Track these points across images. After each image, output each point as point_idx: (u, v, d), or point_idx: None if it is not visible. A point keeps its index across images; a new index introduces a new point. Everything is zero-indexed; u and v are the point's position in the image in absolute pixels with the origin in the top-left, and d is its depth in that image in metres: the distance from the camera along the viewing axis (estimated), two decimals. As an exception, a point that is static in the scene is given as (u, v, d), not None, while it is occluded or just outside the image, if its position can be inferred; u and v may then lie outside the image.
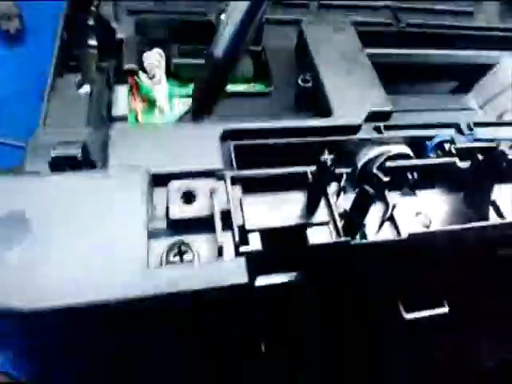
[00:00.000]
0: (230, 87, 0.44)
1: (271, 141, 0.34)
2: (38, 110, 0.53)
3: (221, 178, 0.30)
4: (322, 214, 0.29)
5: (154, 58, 0.40)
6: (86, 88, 0.40)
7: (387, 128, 0.36)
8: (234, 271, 0.24)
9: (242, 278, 0.23)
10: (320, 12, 0.49)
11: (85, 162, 0.30)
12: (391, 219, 0.31)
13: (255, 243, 0.27)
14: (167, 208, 0.28)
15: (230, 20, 0.21)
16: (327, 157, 0.27)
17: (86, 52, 0.46)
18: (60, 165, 0.28)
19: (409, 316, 0.33)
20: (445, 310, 0.34)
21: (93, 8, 0.48)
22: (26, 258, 0.22)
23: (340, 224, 0.29)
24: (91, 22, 0.47)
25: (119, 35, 0.41)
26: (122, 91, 0.40)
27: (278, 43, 0.45)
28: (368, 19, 0.48)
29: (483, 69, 0.50)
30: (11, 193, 0.24)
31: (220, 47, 0.20)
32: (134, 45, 0.41)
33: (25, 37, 0.59)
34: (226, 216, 0.28)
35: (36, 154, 0.30)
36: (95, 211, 0.24)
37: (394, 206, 0.31)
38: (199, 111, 0.23)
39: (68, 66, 0.43)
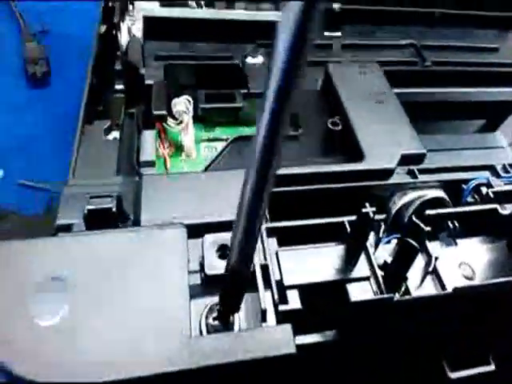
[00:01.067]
0: (254, 130, 0.45)
1: (303, 188, 0.34)
2: (63, 150, 0.54)
3: (255, 229, 0.30)
4: (362, 268, 0.29)
5: (183, 105, 0.41)
6: (115, 134, 0.41)
7: (421, 171, 0.36)
8: (281, 341, 0.23)
9: (289, 348, 0.23)
10: (344, 52, 0.50)
11: (118, 214, 0.30)
12: (434, 272, 0.30)
13: (294, 301, 0.27)
14: (201, 263, 0.28)
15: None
16: (369, 209, 0.27)
17: (113, 97, 0.47)
18: (94, 218, 0.29)
19: (454, 375, 0.31)
20: (491, 367, 0.32)
21: (120, 53, 0.50)
22: (64, 326, 0.22)
23: (381, 279, 0.28)
24: (119, 67, 0.49)
25: (147, 81, 0.42)
26: (149, 136, 0.41)
27: (304, 85, 0.46)
28: (392, 58, 0.49)
29: (511, 106, 0.50)
30: (50, 255, 0.24)
31: (235, 259, 0.20)
32: (163, 90, 0.42)
33: (50, 79, 0.62)
34: (263, 271, 0.28)
35: (68, 206, 0.31)
36: (134, 271, 0.24)
37: (436, 258, 0.30)
38: (227, 314, 0.23)
39: (96, 111, 0.44)
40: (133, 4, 0.54)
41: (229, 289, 0.22)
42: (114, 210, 0.29)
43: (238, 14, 0.54)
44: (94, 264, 0.24)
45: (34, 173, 0.53)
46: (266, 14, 0.56)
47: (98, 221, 0.28)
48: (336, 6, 0.52)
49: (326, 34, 0.52)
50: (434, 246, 0.31)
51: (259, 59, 0.47)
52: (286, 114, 0.16)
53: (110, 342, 0.22)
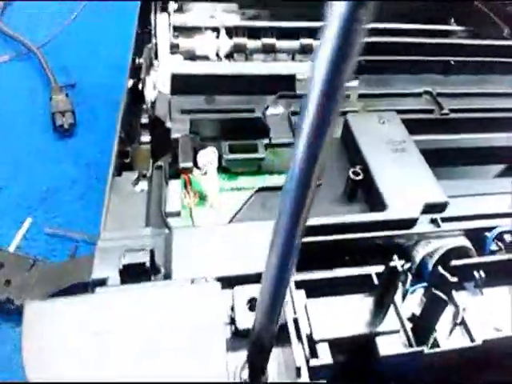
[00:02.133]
0: (277, 179, 0.48)
1: (326, 238, 0.36)
2: (88, 199, 0.58)
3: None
4: (391, 321, 0.30)
5: (208, 156, 0.45)
6: (142, 185, 0.45)
7: (444, 220, 0.38)
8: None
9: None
10: (361, 101, 0.54)
11: (151, 267, 0.32)
12: (463, 323, 0.31)
13: (325, 356, 0.28)
14: (231, 316, 0.30)
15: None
16: (397, 262, 0.29)
17: (139, 149, 0.52)
18: (129, 271, 0.31)
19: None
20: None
21: (145, 107, 0.55)
22: (106, 377, 0.24)
23: (410, 331, 0.30)
24: (144, 120, 0.54)
25: (174, 135, 0.46)
26: (175, 187, 0.45)
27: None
28: (409, 106, 0.52)
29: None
30: (92, 313, 0.26)
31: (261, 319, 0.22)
32: (188, 143, 0.46)
33: (76, 130, 0.67)
34: (296, 324, 0.29)
35: (103, 260, 0.33)
36: (173, 326, 0.26)
37: (464, 309, 0.31)
38: (256, 370, 0.25)
39: (123, 163, 0.48)
40: (157, 59, 0.60)
41: (256, 347, 0.23)
42: (147, 264, 0.31)
43: (258, 67, 0.59)
44: (132, 320, 0.26)
45: (60, 221, 0.57)
46: (285, 66, 0.61)
47: (132, 274, 0.31)
48: (351, 57, 0.57)
49: (343, 83, 0.56)
50: (460, 297, 0.32)
51: (280, 110, 0.51)
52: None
53: None
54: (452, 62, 0.58)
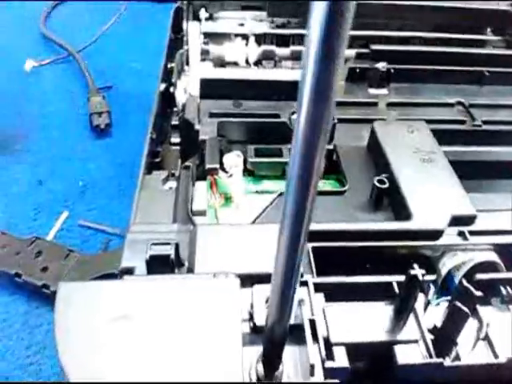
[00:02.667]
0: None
1: (350, 244, 0.36)
2: (120, 195, 0.61)
3: (302, 283, 0.33)
4: (410, 330, 0.30)
5: (233, 160, 0.46)
6: (171, 183, 0.46)
7: (472, 233, 0.38)
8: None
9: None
10: (390, 110, 0.54)
11: (175, 260, 0.34)
12: (486, 339, 0.30)
13: (341, 359, 0.28)
14: (250, 312, 0.30)
15: None
16: (418, 271, 0.29)
17: (169, 149, 0.54)
18: (154, 263, 0.33)
19: None
20: None
21: (176, 110, 0.57)
22: (130, 361, 0.25)
23: (430, 342, 0.29)
24: (175, 122, 0.56)
25: (202, 137, 0.48)
26: (202, 187, 0.46)
27: (349, 142, 0.49)
28: (440, 117, 0.51)
29: None
30: (118, 296, 0.28)
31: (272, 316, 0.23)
32: (215, 145, 0.47)
33: (112, 131, 0.70)
34: (310, 325, 0.30)
35: (131, 251, 0.35)
36: (191, 317, 0.27)
37: (488, 325, 0.31)
38: (270, 366, 0.26)
39: (154, 162, 0.50)
40: (188, 64, 0.63)
41: (269, 341, 0.24)
42: (172, 257, 0.33)
43: (285, 73, 0.60)
44: (155, 307, 0.28)
45: (94, 215, 0.60)
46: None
47: (157, 265, 0.32)
48: (381, 65, 0.57)
49: (372, 91, 0.56)
50: (485, 312, 0.32)
51: (306, 116, 0.52)
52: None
53: (166, 380, 0.25)
54: (486, 73, 0.56)
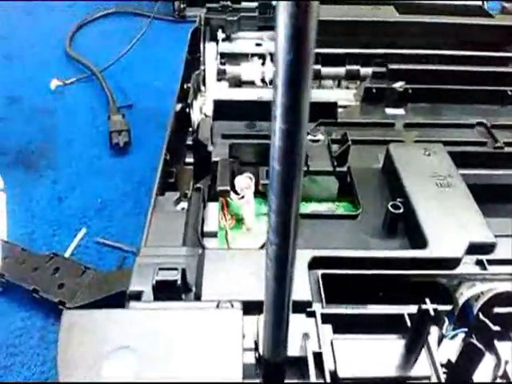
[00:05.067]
0: (314, 207, 0.48)
1: (363, 272, 0.36)
2: (137, 213, 0.62)
3: (310, 314, 0.32)
4: (423, 366, 0.29)
5: (245, 182, 0.46)
6: (183, 204, 0.47)
7: (491, 262, 0.36)
8: None
9: None
10: (407, 131, 0.53)
11: (182, 285, 0.34)
12: (505, 377, 0.29)
13: (349, 395, 0.27)
14: (256, 342, 0.30)
15: None
16: (429, 306, 0.28)
17: (183, 169, 0.54)
18: (161, 287, 0.33)
19: None
20: None
21: (191, 130, 0.58)
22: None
23: (443, 379, 0.28)
24: (189, 142, 0.57)
25: (214, 158, 0.48)
26: (213, 208, 0.46)
27: (364, 163, 0.48)
28: (460, 138, 0.50)
29: None
30: (121, 326, 0.28)
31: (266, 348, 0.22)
32: (227, 167, 0.47)
33: (131, 149, 0.72)
34: (316, 358, 0.29)
35: (140, 275, 0.35)
36: (194, 348, 0.27)
37: (506, 362, 0.29)
38: None
39: (167, 183, 0.51)
40: (205, 85, 0.64)
41: (267, 374, 0.24)
42: (178, 282, 0.33)
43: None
44: (158, 337, 0.28)
45: (111, 232, 0.61)
46: (328, 92, 0.61)
47: (164, 290, 0.32)
48: (398, 85, 0.56)
49: (388, 111, 0.56)
50: (504, 348, 0.30)
51: (319, 137, 0.52)
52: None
53: None
54: (509, 92, 0.55)
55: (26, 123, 0.78)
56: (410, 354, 0.29)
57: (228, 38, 0.65)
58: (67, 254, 0.58)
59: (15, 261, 0.55)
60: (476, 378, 0.29)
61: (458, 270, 0.36)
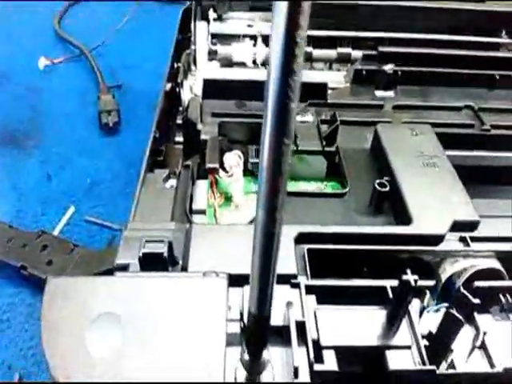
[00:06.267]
0: (303, 186, 0.48)
1: (348, 247, 0.36)
2: (127, 193, 0.61)
3: (294, 285, 0.32)
4: (403, 336, 0.29)
5: (234, 159, 0.46)
6: (172, 182, 0.47)
7: (474, 239, 0.36)
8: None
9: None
10: (396, 112, 0.53)
11: (169, 258, 0.34)
12: (483, 347, 0.30)
13: (330, 362, 0.28)
14: (241, 312, 0.30)
15: None
16: (410, 277, 0.28)
17: (173, 148, 0.54)
18: (148, 260, 0.33)
19: None
20: None
21: (181, 109, 0.57)
22: (114, 356, 0.25)
23: (424, 348, 0.29)
24: (180, 121, 0.56)
25: (203, 136, 0.48)
26: (202, 186, 0.46)
27: (353, 144, 0.48)
28: (447, 120, 0.50)
29: None
30: (107, 292, 0.28)
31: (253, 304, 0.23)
32: (216, 145, 0.47)
33: (120, 129, 0.71)
34: (300, 328, 0.29)
35: (127, 248, 0.35)
36: (177, 314, 0.27)
37: (485, 333, 0.30)
38: (253, 359, 0.25)
39: (156, 161, 0.50)
40: (195, 64, 0.63)
41: (251, 334, 0.24)
42: (165, 254, 0.32)
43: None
44: (142, 304, 0.28)
45: (100, 212, 0.60)
46: (319, 74, 0.61)
47: (150, 263, 0.32)
48: (388, 67, 0.56)
49: (378, 93, 0.56)
50: (483, 320, 0.31)
51: (309, 118, 0.51)
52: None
53: (151, 377, 0.25)
54: (497, 77, 0.55)
55: (14, 102, 0.76)
56: (392, 324, 0.30)
57: (219, 18, 0.64)
58: (56, 232, 0.58)
59: (3, 238, 0.55)
60: (455, 348, 0.29)
61: (441, 247, 0.36)
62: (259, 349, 0.24)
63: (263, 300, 0.22)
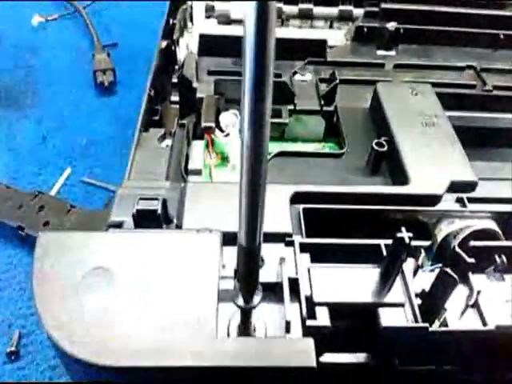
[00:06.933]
0: (300, 147, 0.46)
1: (344, 206, 0.34)
2: (124, 154, 0.59)
3: (289, 243, 0.31)
4: (397, 293, 0.28)
5: (230, 118, 0.43)
6: (167, 141, 0.44)
7: (471, 200, 0.35)
8: (302, 354, 0.23)
9: (310, 361, 0.23)
10: (397, 72, 0.49)
11: (163, 216, 0.32)
12: (476, 306, 0.29)
13: (323, 318, 0.27)
14: (235, 271, 0.29)
15: None
16: (405, 234, 0.27)
17: (169, 107, 0.51)
18: (142, 217, 0.31)
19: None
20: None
21: (177, 67, 0.54)
22: (107, 310, 0.24)
23: (417, 307, 0.28)
24: (175, 80, 0.53)
25: (199, 94, 0.45)
26: (198, 146, 0.44)
27: (352, 103, 0.46)
28: (449, 80, 0.47)
29: None
30: (101, 247, 0.27)
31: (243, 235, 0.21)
32: (212, 104, 0.44)
33: (116, 88, 0.68)
34: (293, 285, 0.28)
35: (121, 205, 0.33)
36: (171, 269, 0.26)
37: (478, 292, 0.29)
38: (246, 294, 0.24)
39: (152, 120, 0.48)
40: (192, 21, 0.59)
41: (242, 267, 0.23)
42: (159, 211, 0.31)
43: (290, 31, 0.56)
44: (136, 259, 0.27)
45: (97, 173, 0.58)
46: (319, 32, 0.57)
47: (144, 220, 0.31)
48: (390, 25, 0.52)
49: (379, 53, 0.52)
50: (477, 280, 0.30)
51: (307, 76, 0.48)
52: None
53: (144, 331, 0.24)
54: (501, 36, 0.51)
55: (6, 60, 0.72)
56: (385, 282, 0.29)
57: (217, -28, 0.59)
58: (52, 193, 0.56)
59: (0, 198, 0.53)
60: (448, 306, 0.28)
61: (438, 207, 0.35)
62: (251, 288, 0.23)
63: (252, 231, 0.21)
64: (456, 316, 0.29)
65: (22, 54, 0.73)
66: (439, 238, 0.35)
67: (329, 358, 0.27)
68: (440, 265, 0.32)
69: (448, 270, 0.27)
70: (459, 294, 0.29)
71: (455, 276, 0.27)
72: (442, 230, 0.35)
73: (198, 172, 0.42)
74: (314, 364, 0.23)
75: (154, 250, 0.27)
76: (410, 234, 0.27)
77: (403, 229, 0.27)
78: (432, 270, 0.32)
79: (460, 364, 0.29)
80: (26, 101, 0.66)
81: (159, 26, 0.54)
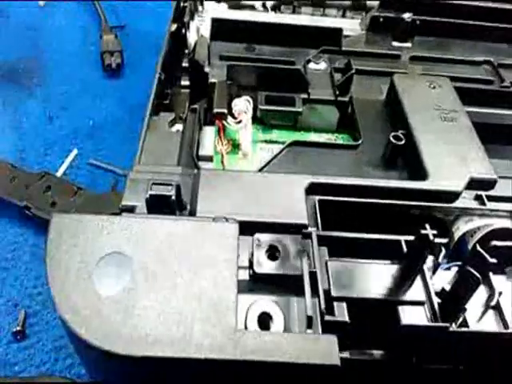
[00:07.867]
0: (313, 136, 0.43)
1: (361, 200, 0.32)
2: (131, 137, 0.56)
3: (306, 235, 0.29)
4: (417, 291, 0.26)
5: (243, 105, 0.40)
6: (178, 126, 0.41)
7: (490, 198, 0.33)
8: (325, 351, 0.22)
9: (334, 359, 0.21)
10: (412, 64, 0.47)
11: (177, 202, 0.30)
12: (497, 307, 0.27)
13: (342, 313, 0.25)
14: (250, 260, 0.27)
15: None
16: (429, 232, 0.25)
17: (179, 92, 0.48)
18: (155, 203, 0.29)
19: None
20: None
21: (187, 51, 0.51)
22: (122, 297, 0.22)
23: (437, 306, 0.26)
24: (186, 64, 0.50)
25: (211, 79, 0.42)
26: (209, 132, 0.41)
27: (366, 94, 0.43)
28: (465, 75, 0.45)
29: None
30: (115, 231, 0.25)
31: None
32: (225, 89, 0.41)
33: (124, 71, 0.64)
34: (311, 278, 0.26)
35: (133, 190, 0.31)
36: (187, 257, 0.24)
37: (500, 293, 0.27)
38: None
39: (162, 104, 0.45)
40: (203, 5, 0.55)
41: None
42: (173, 197, 0.29)
43: (304, 19, 0.53)
44: (152, 245, 0.25)
45: (103, 155, 0.55)
46: (332, 21, 0.54)
47: (157, 206, 0.29)
48: (406, 15, 0.49)
49: (395, 44, 0.49)
50: (498, 280, 0.28)
51: (322, 65, 0.45)
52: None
53: (160, 320, 0.22)
54: (521, 31, 0.49)
55: (13, 40, 0.68)
56: (405, 279, 0.27)
57: (230, -44, 0.56)
58: (59, 174, 0.53)
59: (6, 177, 0.50)
60: (469, 307, 0.27)
61: (456, 204, 0.33)
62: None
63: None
64: (476, 317, 0.27)
65: (28, 34, 0.69)
66: (456, 236, 0.33)
67: (345, 353, 0.25)
68: (457, 263, 0.30)
69: (471, 269, 0.25)
70: (478, 294, 0.27)
71: (479, 276, 0.25)
72: (460, 228, 0.33)
73: (209, 158, 0.39)
74: (338, 362, 0.21)
75: (171, 236, 0.25)
76: (435, 232, 0.25)
77: (427, 226, 0.25)
78: (448, 268, 0.31)
79: (477, 365, 0.27)
80: (32, 80, 0.63)
81: (167, 10, 0.51)
